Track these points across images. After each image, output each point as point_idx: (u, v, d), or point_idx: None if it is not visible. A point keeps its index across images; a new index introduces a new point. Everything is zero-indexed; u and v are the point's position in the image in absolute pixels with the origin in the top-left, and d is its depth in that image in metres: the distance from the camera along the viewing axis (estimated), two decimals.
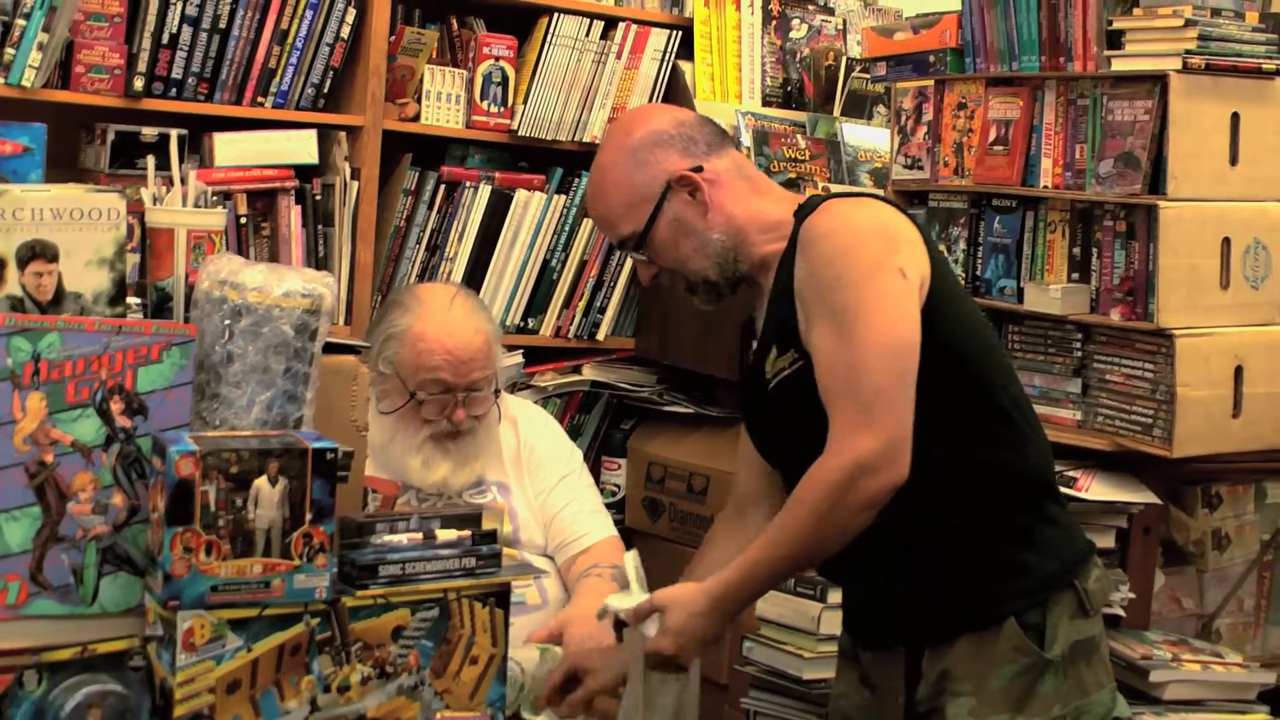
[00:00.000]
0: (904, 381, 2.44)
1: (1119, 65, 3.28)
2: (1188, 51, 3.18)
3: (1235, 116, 3.24)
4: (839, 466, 2.43)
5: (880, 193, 2.71)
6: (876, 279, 2.47)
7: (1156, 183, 3.21)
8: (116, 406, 2.19)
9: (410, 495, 3.43)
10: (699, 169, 2.69)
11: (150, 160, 2.55)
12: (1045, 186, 3.45)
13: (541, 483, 3.63)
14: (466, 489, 3.50)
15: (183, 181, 2.47)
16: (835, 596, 3.34)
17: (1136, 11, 3.29)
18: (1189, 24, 3.18)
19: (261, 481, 2.14)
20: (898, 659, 2.69)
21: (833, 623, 3.33)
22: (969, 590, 2.61)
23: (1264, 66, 3.25)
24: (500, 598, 2.37)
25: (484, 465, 3.53)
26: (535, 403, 4.22)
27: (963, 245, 3.62)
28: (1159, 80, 3.21)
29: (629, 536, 4.33)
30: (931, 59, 3.70)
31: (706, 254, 2.70)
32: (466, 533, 2.36)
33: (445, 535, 2.34)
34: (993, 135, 3.55)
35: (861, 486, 2.42)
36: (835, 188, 4.16)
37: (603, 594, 3.01)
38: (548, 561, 3.57)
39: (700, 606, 2.61)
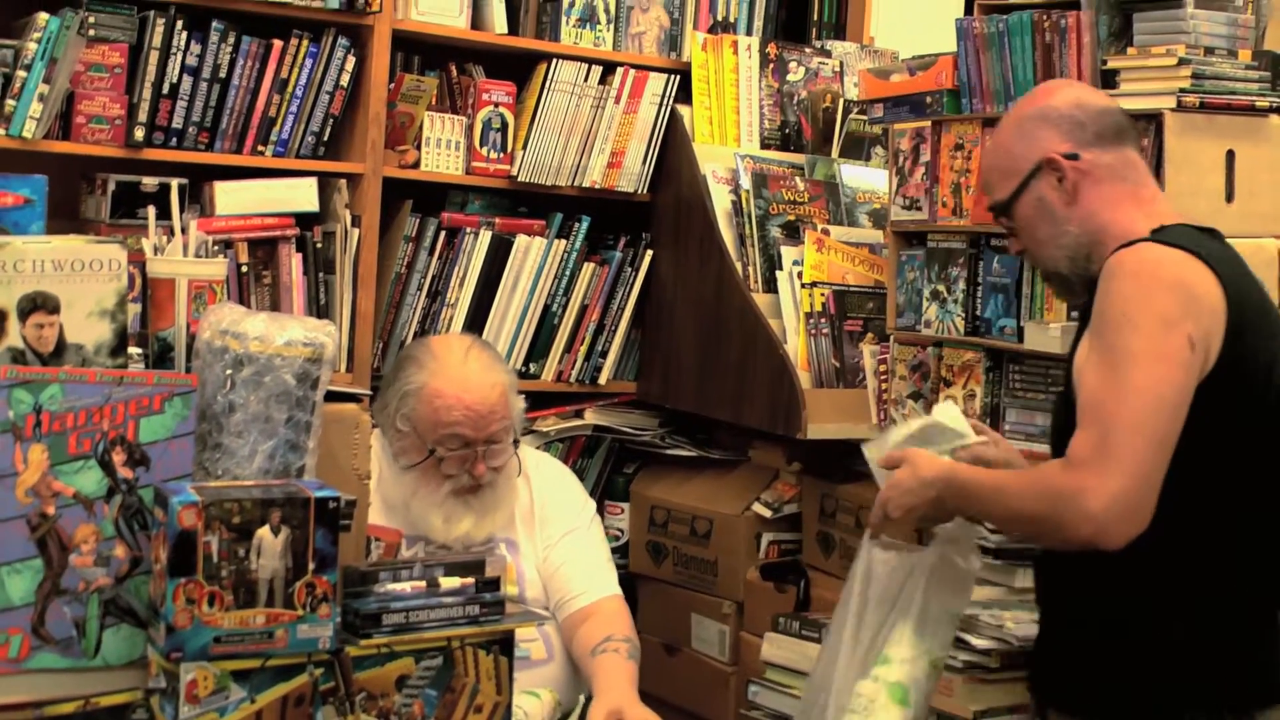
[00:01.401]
0: (1152, 441, 2.40)
1: None
2: (1182, 90, 3.19)
3: (1230, 154, 3.25)
4: (1064, 485, 2.43)
5: (1219, 235, 2.64)
6: (1161, 338, 2.42)
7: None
8: (118, 458, 2.19)
9: (419, 547, 3.42)
10: (1075, 156, 2.67)
11: (151, 210, 2.56)
12: None
13: (548, 538, 3.59)
14: (482, 541, 3.46)
15: (183, 231, 2.48)
16: None
17: (1130, 51, 3.30)
18: (1182, 63, 3.19)
19: (264, 531, 2.14)
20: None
21: None
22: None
23: (1257, 104, 3.26)
24: (504, 645, 2.37)
25: (505, 517, 3.50)
26: (538, 448, 4.22)
27: (962, 285, 3.63)
28: (1154, 119, 3.21)
29: (632, 581, 4.34)
30: (928, 100, 3.71)
31: (1060, 244, 2.70)
32: (470, 580, 2.36)
33: (449, 583, 2.34)
34: None
35: (1068, 517, 2.41)
36: (836, 230, 4.17)
37: (622, 674, 3.21)
38: (550, 627, 3.53)
39: (929, 475, 2.68)
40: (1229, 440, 2.50)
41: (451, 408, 3.40)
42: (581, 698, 3.39)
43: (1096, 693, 2.58)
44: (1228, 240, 2.72)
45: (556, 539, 3.58)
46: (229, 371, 2.26)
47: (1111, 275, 2.51)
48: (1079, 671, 2.61)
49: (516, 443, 3.53)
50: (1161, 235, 2.59)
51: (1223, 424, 2.47)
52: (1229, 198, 3.28)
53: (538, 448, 4.27)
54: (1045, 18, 3.40)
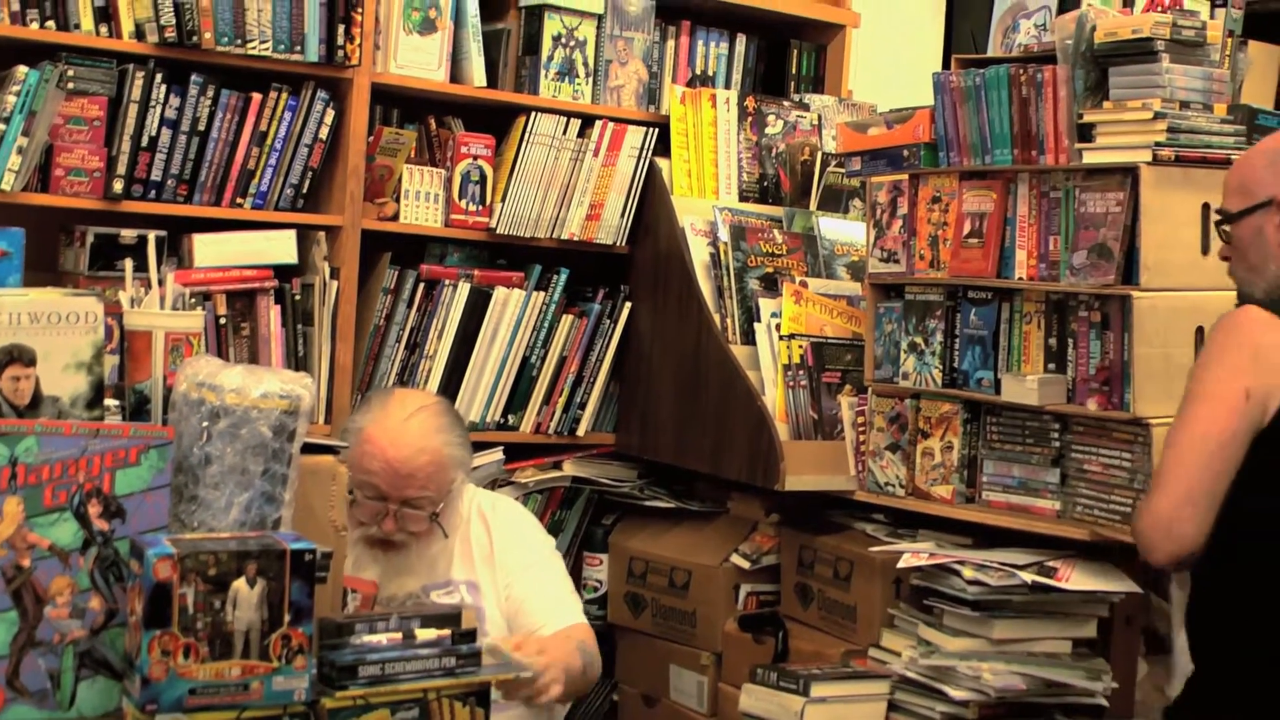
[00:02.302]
0: (1194, 470, 2.69)
1: (1090, 158, 3.32)
2: (1157, 144, 3.21)
3: (1205, 206, 3.27)
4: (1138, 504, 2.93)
5: None
6: (1220, 384, 2.69)
7: (1130, 273, 3.23)
8: (94, 510, 2.19)
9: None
10: None
11: (128, 263, 2.57)
12: (1020, 278, 3.47)
13: (508, 574, 3.52)
14: (434, 587, 3.43)
15: (160, 283, 2.49)
16: (818, 690, 3.34)
17: (1106, 105, 3.33)
18: (1158, 116, 3.22)
19: (240, 583, 2.14)
20: None
21: (816, 716, 3.33)
22: None
23: (1232, 157, 3.27)
24: (480, 697, 2.36)
25: (418, 582, 3.42)
26: (516, 499, 4.22)
27: (939, 337, 3.64)
28: (1130, 172, 3.24)
29: (611, 632, 4.33)
30: (905, 153, 3.73)
31: (1263, 275, 2.85)
32: (446, 632, 2.35)
33: (425, 635, 2.34)
34: (967, 228, 3.57)
35: (1139, 533, 2.83)
36: (814, 283, 4.18)
37: (561, 642, 3.20)
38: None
39: None
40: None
41: (374, 456, 3.32)
42: None
43: None
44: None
45: (517, 573, 3.51)
46: (205, 424, 2.27)
47: (1211, 330, 2.82)
48: None
49: (435, 516, 3.40)
50: None
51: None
52: (1205, 250, 3.30)
53: (516, 499, 4.27)
54: (1022, 72, 3.43)
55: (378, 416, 3.40)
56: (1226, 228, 2.93)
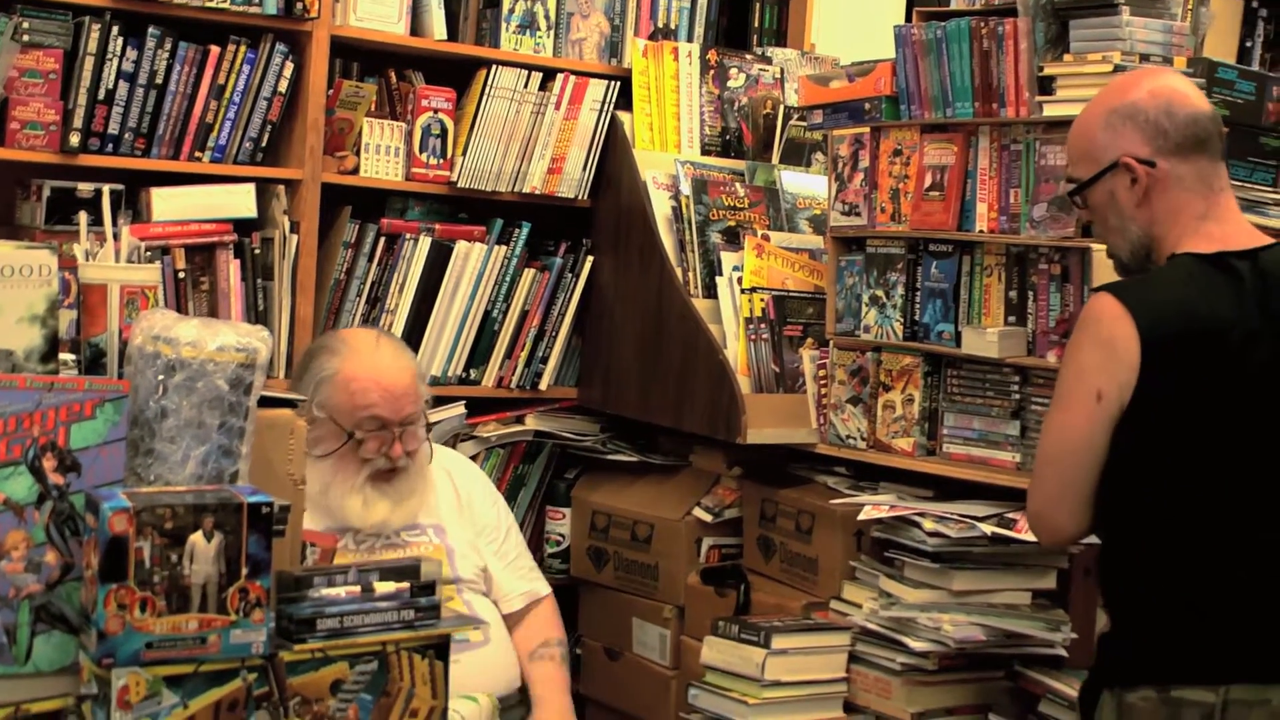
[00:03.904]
0: (1061, 474, 2.78)
1: (1050, 110, 3.32)
2: None
3: None
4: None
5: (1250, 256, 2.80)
6: (1074, 387, 2.75)
7: (1089, 225, 3.24)
8: (49, 464, 2.17)
9: (348, 538, 3.44)
10: (1151, 163, 2.78)
11: (83, 216, 2.54)
12: (981, 231, 3.48)
13: (481, 533, 3.69)
14: (404, 529, 3.54)
15: (116, 237, 2.47)
16: (779, 642, 3.35)
17: (1067, 58, 3.33)
18: (1118, 69, 3.21)
19: (197, 537, 2.13)
20: None
21: (777, 668, 3.34)
22: None
23: None
24: (440, 650, 2.36)
25: (420, 504, 3.58)
26: (478, 454, 4.24)
27: (900, 290, 3.64)
28: None
29: (574, 586, 4.34)
30: (867, 106, 3.73)
31: (1124, 237, 2.85)
32: (405, 585, 2.35)
33: (383, 588, 2.33)
34: (928, 181, 3.57)
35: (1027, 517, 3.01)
36: (776, 236, 4.18)
37: (557, 684, 3.52)
38: (486, 602, 3.62)
39: None
40: (1155, 457, 2.72)
41: (368, 390, 3.49)
42: (517, 691, 3.57)
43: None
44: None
45: (494, 535, 3.71)
46: (161, 377, 2.25)
47: (1078, 320, 2.84)
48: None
49: (429, 427, 3.64)
50: (1156, 273, 2.83)
51: (1152, 447, 2.71)
52: None
53: (479, 453, 4.28)
54: (983, 25, 3.42)
55: (348, 356, 3.52)
56: (1079, 196, 2.91)
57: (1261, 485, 2.69)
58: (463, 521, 3.68)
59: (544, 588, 3.79)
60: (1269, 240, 2.81)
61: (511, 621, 3.67)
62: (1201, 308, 2.70)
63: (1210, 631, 2.68)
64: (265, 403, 2.37)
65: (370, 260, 4.15)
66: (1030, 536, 3.23)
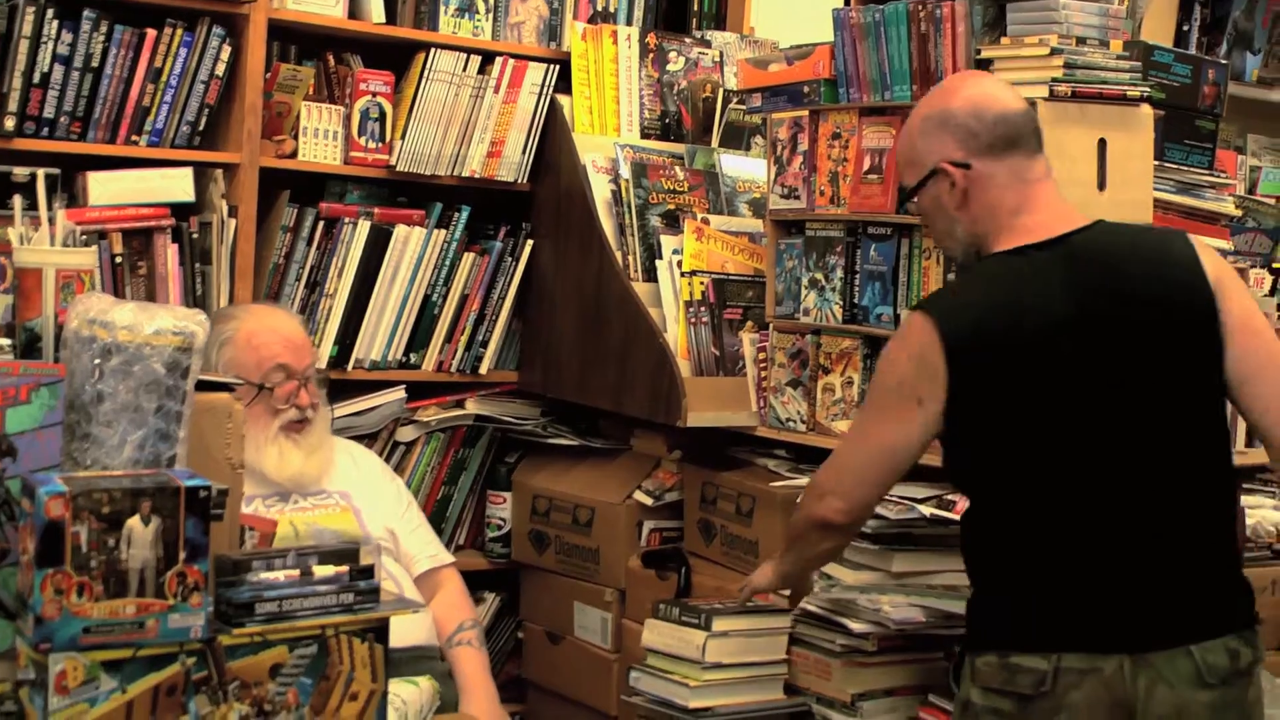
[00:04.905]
0: (863, 470, 2.91)
1: None
2: (1054, 80, 3.23)
3: (1102, 142, 3.29)
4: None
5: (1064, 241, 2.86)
6: (894, 396, 2.84)
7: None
8: None
9: (256, 502, 3.50)
10: (966, 165, 2.86)
11: (17, 199, 2.52)
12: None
13: (383, 499, 3.79)
14: (310, 494, 3.65)
15: (51, 221, 2.45)
16: (720, 624, 3.36)
17: (1004, 41, 3.34)
18: (1055, 52, 3.23)
19: (134, 521, 2.12)
20: None
21: (718, 650, 3.35)
22: None
23: (1128, 93, 3.31)
24: (379, 633, 2.36)
25: (328, 457, 3.71)
26: (419, 438, 4.25)
27: (840, 273, 3.65)
28: None
29: (515, 570, 4.34)
30: (806, 90, 3.73)
31: (953, 239, 2.94)
32: (344, 569, 2.34)
33: (322, 571, 2.32)
34: (867, 164, 3.58)
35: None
36: (716, 220, 4.19)
37: (479, 670, 3.66)
38: (395, 565, 3.71)
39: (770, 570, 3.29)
40: (981, 448, 2.85)
41: (271, 342, 3.66)
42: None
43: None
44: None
45: (398, 509, 3.83)
46: (97, 361, 2.23)
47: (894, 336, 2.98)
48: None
49: (323, 382, 3.82)
50: (960, 280, 3.07)
51: (977, 440, 2.84)
52: (1101, 186, 3.32)
53: (419, 437, 4.28)
54: (921, 8, 3.43)
55: (244, 318, 3.70)
56: (910, 203, 3.03)
57: (1086, 464, 2.77)
58: (365, 489, 3.77)
59: (448, 556, 3.90)
60: (1084, 222, 2.88)
61: (425, 586, 3.78)
62: (998, 303, 2.81)
63: (1043, 604, 2.79)
64: (202, 386, 2.36)
65: (309, 244, 4.13)
66: None
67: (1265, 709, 2.87)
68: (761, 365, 3.85)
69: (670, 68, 4.55)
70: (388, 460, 4.23)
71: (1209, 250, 2.89)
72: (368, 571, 2.36)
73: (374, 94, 4.19)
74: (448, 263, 4.31)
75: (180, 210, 3.90)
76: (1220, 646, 2.75)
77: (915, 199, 2.97)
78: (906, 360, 2.84)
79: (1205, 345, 2.78)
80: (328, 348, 4.14)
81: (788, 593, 3.29)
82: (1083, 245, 2.84)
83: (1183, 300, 2.79)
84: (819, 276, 3.70)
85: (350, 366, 4.20)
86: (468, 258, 4.34)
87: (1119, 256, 2.83)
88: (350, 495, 3.72)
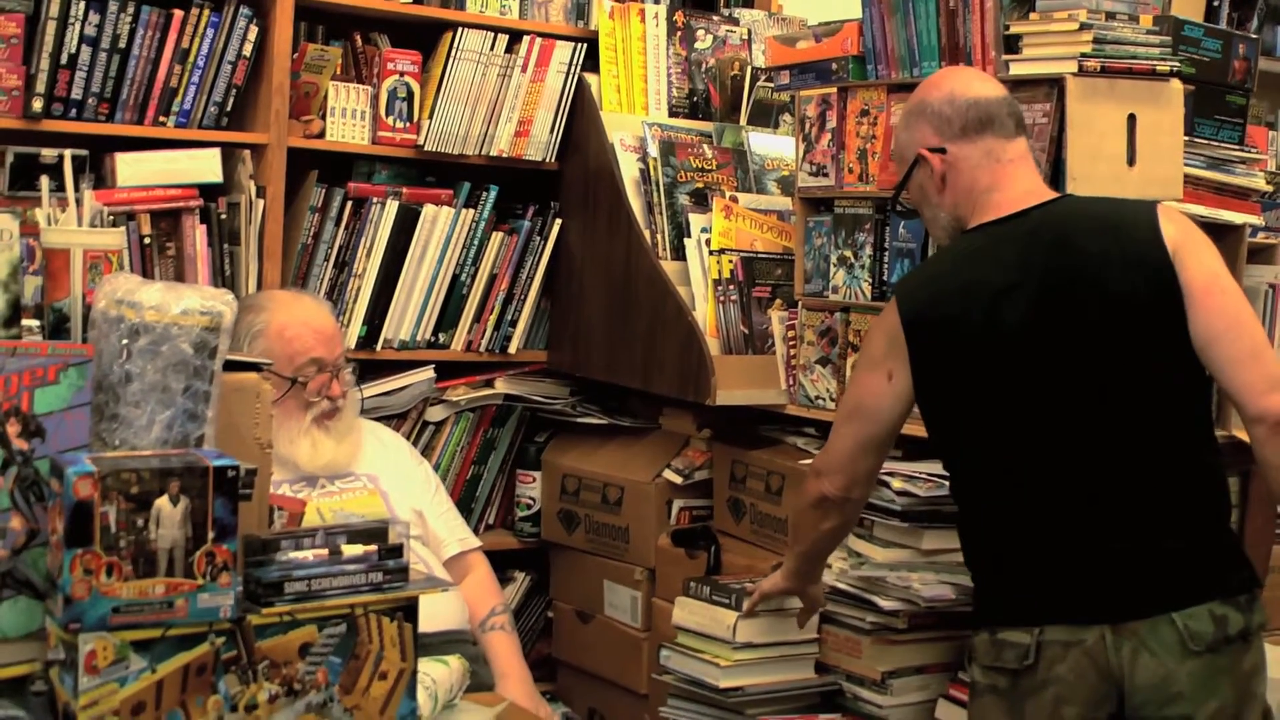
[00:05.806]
0: (846, 440, 3.06)
1: (1017, 69, 3.31)
2: (1083, 55, 3.21)
3: (1132, 118, 3.27)
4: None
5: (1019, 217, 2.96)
6: (870, 371, 3.01)
7: (1056, 183, 3.23)
8: (13, 429, 2.16)
9: (284, 486, 3.51)
10: (942, 150, 2.99)
11: (44, 180, 2.52)
12: None
13: (414, 486, 3.81)
14: (338, 477, 3.66)
15: (78, 202, 2.45)
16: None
17: (1033, 16, 3.33)
18: (1084, 28, 3.21)
19: (162, 501, 2.12)
20: None
21: (748, 631, 3.35)
22: None
23: (1158, 68, 3.29)
24: (408, 612, 2.36)
25: (358, 442, 3.73)
26: (448, 417, 4.25)
27: (869, 251, 3.64)
28: (1056, 83, 3.24)
29: (545, 550, 4.34)
30: (834, 67, 3.72)
31: (939, 224, 3.07)
32: (373, 547, 2.34)
33: (351, 550, 2.33)
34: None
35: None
36: (744, 198, 4.18)
37: (513, 654, 3.71)
38: (424, 548, 3.71)
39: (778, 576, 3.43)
40: (950, 424, 2.96)
41: (303, 335, 3.65)
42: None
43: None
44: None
45: (427, 491, 3.85)
46: (125, 341, 2.24)
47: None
48: None
49: (355, 370, 3.81)
50: (926, 260, 3.31)
51: (944, 416, 2.96)
52: (1130, 161, 3.30)
53: (448, 417, 4.29)
54: None
55: (275, 309, 3.68)
56: (902, 193, 3.15)
57: (1045, 434, 2.82)
58: (393, 472, 3.78)
59: (475, 540, 3.91)
60: (1050, 196, 2.96)
61: (456, 569, 3.79)
62: (952, 279, 2.94)
63: (1023, 578, 2.86)
64: (230, 366, 2.36)
65: (337, 224, 4.13)
66: None
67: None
68: (790, 343, 3.84)
69: (698, 45, 4.54)
70: (417, 440, 4.24)
71: (1177, 218, 2.90)
72: (397, 550, 2.36)
73: (401, 73, 4.19)
74: (476, 242, 4.31)
75: (208, 191, 3.90)
76: (1204, 613, 2.76)
77: (906, 191, 3.10)
78: (880, 336, 3.01)
79: (1165, 311, 2.79)
80: (356, 327, 4.14)
81: (799, 605, 3.35)
82: (1041, 218, 2.91)
83: (1136, 265, 2.81)
84: (848, 254, 3.69)
85: (379, 346, 4.20)
86: (496, 237, 4.34)
87: (1075, 227, 2.88)
88: (378, 478, 3.72)
